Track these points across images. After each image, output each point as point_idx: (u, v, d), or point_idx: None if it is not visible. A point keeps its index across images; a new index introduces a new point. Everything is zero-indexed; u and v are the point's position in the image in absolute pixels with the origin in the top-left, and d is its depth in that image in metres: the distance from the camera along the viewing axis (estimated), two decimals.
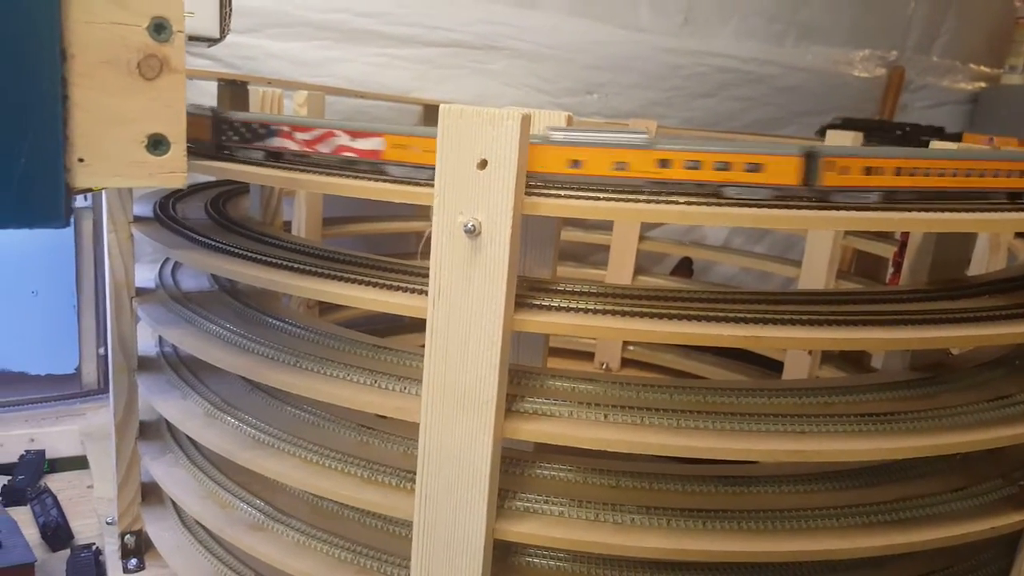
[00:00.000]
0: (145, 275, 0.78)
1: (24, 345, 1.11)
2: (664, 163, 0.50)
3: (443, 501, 0.51)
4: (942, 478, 0.63)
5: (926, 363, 0.66)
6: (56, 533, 0.83)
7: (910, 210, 0.52)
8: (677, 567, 0.56)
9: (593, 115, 1.42)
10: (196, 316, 0.67)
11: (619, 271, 1.26)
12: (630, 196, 0.51)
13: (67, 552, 0.81)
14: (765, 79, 1.53)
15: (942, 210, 0.52)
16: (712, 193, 0.51)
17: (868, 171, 0.51)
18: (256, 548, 0.61)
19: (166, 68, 0.38)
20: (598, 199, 0.50)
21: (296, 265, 0.58)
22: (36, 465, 0.98)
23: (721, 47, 1.49)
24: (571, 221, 1.23)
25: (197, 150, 0.60)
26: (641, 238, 1.25)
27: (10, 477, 0.94)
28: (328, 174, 0.56)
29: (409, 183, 0.53)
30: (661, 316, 0.51)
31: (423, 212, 1.16)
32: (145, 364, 0.76)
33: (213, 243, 0.64)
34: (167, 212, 0.75)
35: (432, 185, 0.48)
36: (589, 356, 1.30)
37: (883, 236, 1.05)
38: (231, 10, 0.61)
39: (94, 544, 0.82)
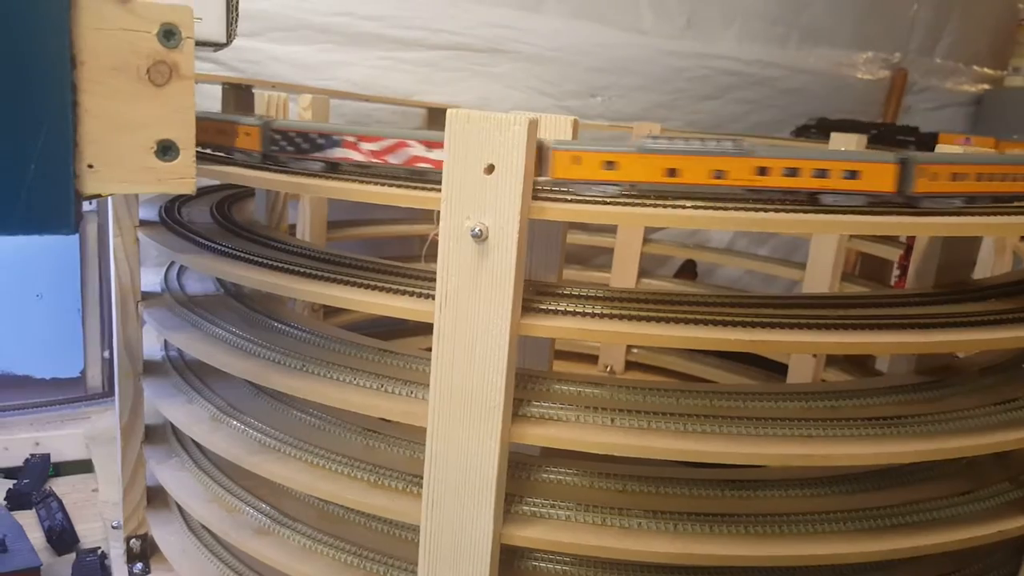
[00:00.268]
0: (150, 279, 0.78)
1: (29, 348, 1.12)
2: (763, 171, 0.50)
3: (450, 506, 0.51)
4: (949, 482, 0.63)
5: (932, 366, 0.66)
6: (61, 537, 0.83)
7: (990, 214, 0.52)
8: (684, 571, 0.56)
9: (597, 118, 1.42)
10: (202, 320, 0.67)
11: (623, 274, 1.26)
12: (637, 200, 0.51)
13: (72, 556, 0.81)
14: (768, 81, 1.53)
15: (1016, 213, 0.53)
16: (806, 200, 0.51)
17: (954, 177, 0.52)
18: (262, 552, 0.61)
19: (175, 74, 0.38)
20: (605, 203, 0.50)
21: (303, 269, 0.58)
22: (41, 469, 0.98)
23: (724, 50, 1.49)
24: (575, 224, 1.23)
25: (244, 161, 0.59)
26: (645, 241, 1.25)
27: (15, 481, 0.94)
28: (333, 179, 0.56)
29: (423, 188, 0.53)
30: (668, 320, 0.51)
31: (427, 215, 1.16)
32: (151, 368, 0.76)
33: (219, 247, 0.64)
34: (173, 216, 0.75)
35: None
36: (593, 359, 1.30)
37: (889, 239, 1.05)
38: (238, 15, 0.61)
39: (99, 548, 0.82)
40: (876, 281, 1.13)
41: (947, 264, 0.69)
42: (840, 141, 1.09)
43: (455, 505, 0.51)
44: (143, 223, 0.73)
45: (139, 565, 0.77)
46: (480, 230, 0.47)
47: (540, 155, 0.49)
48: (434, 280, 0.49)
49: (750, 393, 0.58)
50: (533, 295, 0.54)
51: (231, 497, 0.66)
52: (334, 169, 0.56)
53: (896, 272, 0.98)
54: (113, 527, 0.83)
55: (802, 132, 1.47)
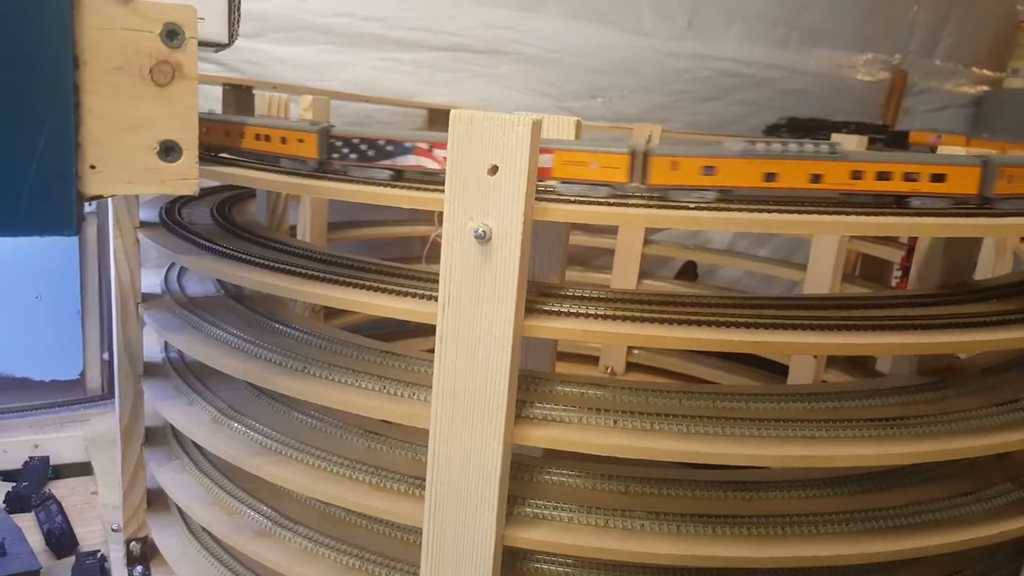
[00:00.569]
0: (151, 280, 0.78)
1: (28, 350, 1.11)
2: (857, 175, 0.50)
3: (452, 507, 0.51)
4: (951, 482, 0.63)
5: (934, 367, 0.66)
6: (61, 540, 0.83)
7: None
8: (687, 573, 0.56)
9: (598, 119, 1.42)
10: (202, 322, 0.67)
11: (624, 275, 1.26)
12: (639, 202, 0.51)
13: (72, 559, 0.81)
14: (769, 83, 1.53)
15: None
16: (894, 203, 0.52)
17: None
18: (263, 555, 0.61)
19: (178, 74, 0.38)
20: (608, 204, 0.50)
21: (304, 271, 0.58)
22: (40, 471, 0.98)
23: (725, 51, 1.49)
24: (576, 225, 1.23)
25: (299, 170, 0.57)
26: (646, 242, 1.25)
27: (14, 484, 0.94)
28: (337, 180, 0.56)
29: (425, 189, 0.53)
30: (671, 321, 0.51)
31: (428, 216, 1.16)
32: (151, 370, 0.75)
33: (220, 249, 0.64)
34: (173, 217, 0.75)
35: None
36: (593, 360, 1.30)
37: (890, 240, 1.05)
38: (240, 15, 0.61)
39: (99, 551, 0.82)
40: (876, 282, 1.13)
41: (949, 265, 0.69)
42: (843, 142, 1.09)
43: (457, 507, 0.51)
44: (143, 224, 0.73)
45: (139, 568, 0.77)
46: (483, 231, 0.47)
47: (633, 161, 0.49)
48: (437, 281, 0.49)
49: (752, 394, 0.58)
50: (536, 296, 0.54)
51: (232, 499, 0.65)
52: (400, 177, 0.54)
53: (898, 273, 0.98)
54: (113, 530, 0.82)
55: (772, 131, 1.47)
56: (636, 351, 1.28)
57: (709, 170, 0.49)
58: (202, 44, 0.62)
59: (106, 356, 1.13)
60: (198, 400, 0.68)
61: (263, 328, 0.66)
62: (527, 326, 0.49)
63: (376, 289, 0.54)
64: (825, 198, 0.51)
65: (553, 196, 0.51)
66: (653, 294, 0.57)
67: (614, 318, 0.52)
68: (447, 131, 0.47)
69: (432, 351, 0.50)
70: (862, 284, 1.12)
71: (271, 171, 0.58)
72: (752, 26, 1.51)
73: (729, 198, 0.50)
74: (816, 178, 0.50)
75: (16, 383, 1.11)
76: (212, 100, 1.04)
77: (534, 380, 0.56)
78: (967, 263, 0.71)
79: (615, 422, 0.53)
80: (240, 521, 0.64)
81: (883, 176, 0.51)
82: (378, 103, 1.23)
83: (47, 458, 1.01)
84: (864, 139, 1.09)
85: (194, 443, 0.71)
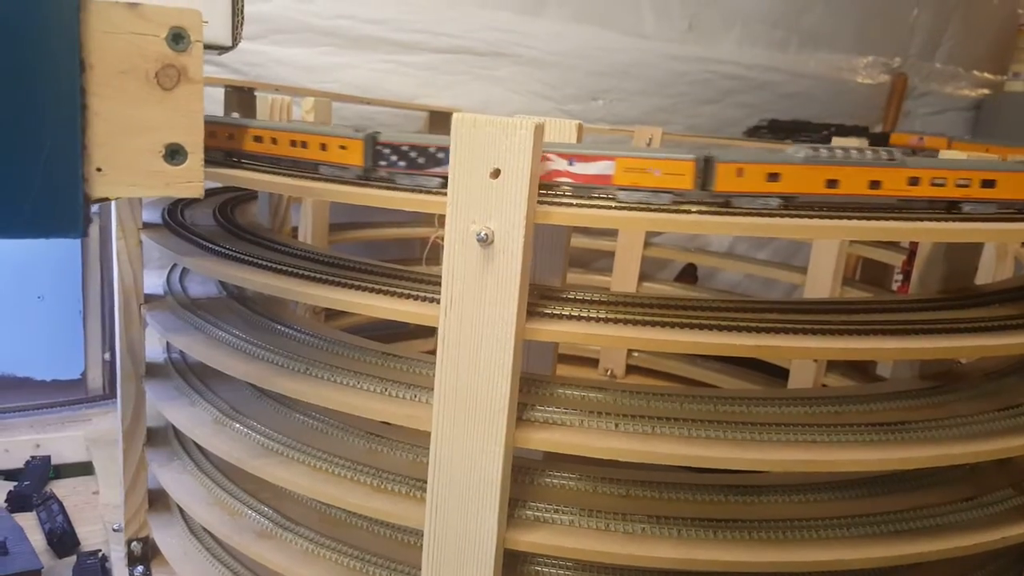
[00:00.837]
0: (153, 281, 0.78)
1: (29, 350, 1.11)
2: (914, 181, 0.51)
3: (454, 510, 0.51)
4: (951, 487, 0.63)
5: (935, 371, 0.66)
6: (62, 540, 0.83)
7: None
8: None
9: (598, 121, 1.42)
10: (204, 323, 0.67)
11: (624, 277, 1.26)
12: (642, 206, 0.51)
13: (73, 559, 0.81)
14: (769, 86, 1.54)
15: None
16: (947, 208, 0.53)
17: None
18: (264, 556, 0.61)
19: (184, 78, 0.38)
20: (610, 207, 0.51)
21: (307, 272, 0.58)
22: (42, 471, 0.98)
23: (725, 54, 1.49)
24: (576, 227, 1.24)
25: (343, 177, 0.55)
26: (646, 244, 1.25)
27: (16, 483, 0.94)
28: (341, 183, 0.56)
29: (422, 192, 0.53)
30: (673, 325, 0.52)
31: (428, 218, 1.16)
32: (153, 370, 0.76)
33: (222, 250, 0.64)
34: (176, 218, 0.75)
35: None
36: (593, 362, 1.30)
37: (891, 244, 1.05)
38: (243, 18, 0.61)
39: (100, 551, 0.82)
40: (877, 286, 1.13)
41: (950, 270, 0.69)
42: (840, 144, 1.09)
43: (459, 509, 0.51)
44: (146, 225, 0.73)
45: (140, 568, 0.77)
46: (486, 234, 0.47)
47: (705, 168, 0.49)
48: (438, 284, 0.49)
49: (754, 398, 0.58)
50: (537, 299, 0.54)
51: (233, 500, 0.66)
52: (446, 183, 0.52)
53: (899, 277, 0.98)
54: (114, 530, 0.82)
55: (753, 133, 1.48)
56: (636, 353, 1.28)
57: (773, 176, 0.50)
58: (206, 47, 0.62)
59: (107, 356, 1.14)
60: (200, 401, 0.69)
61: (265, 329, 0.66)
62: (529, 329, 0.50)
63: (378, 291, 0.55)
64: (884, 204, 0.52)
65: (554, 200, 0.51)
66: (654, 297, 0.57)
67: (615, 321, 0.52)
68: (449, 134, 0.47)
69: (433, 352, 0.50)
70: (863, 288, 1.12)
71: (311, 179, 0.56)
72: (752, 29, 1.52)
73: (792, 204, 0.50)
74: (875, 184, 0.50)
75: (18, 382, 1.11)
76: (214, 102, 1.05)
77: (535, 383, 0.56)
78: (969, 267, 0.71)
79: (616, 425, 0.53)
80: (241, 522, 0.64)
81: (937, 182, 0.51)
82: (379, 105, 1.23)
83: (48, 458, 1.01)
84: (865, 141, 1.09)
85: (196, 444, 0.72)
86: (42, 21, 0.34)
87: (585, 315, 0.52)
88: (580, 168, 0.50)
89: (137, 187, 0.38)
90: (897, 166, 0.51)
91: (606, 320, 0.52)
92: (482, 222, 0.47)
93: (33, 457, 1.00)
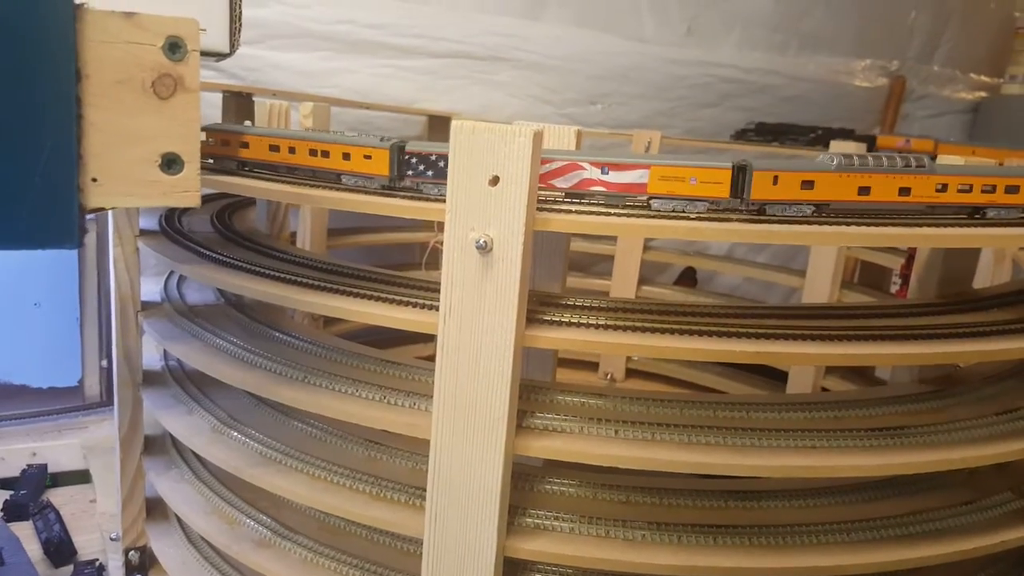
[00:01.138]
0: (150, 288, 0.78)
1: (26, 358, 1.11)
2: (943, 187, 0.52)
3: (453, 518, 0.51)
4: (950, 491, 0.63)
5: (935, 376, 0.66)
6: (59, 549, 0.82)
7: None
8: None
9: (597, 125, 1.43)
10: (202, 331, 0.67)
11: (623, 282, 1.26)
12: (640, 212, 0.51)
13: (70, 568, 0.81)
14: (768, 89, 1.54)
15: None
16: (969, 215, 0.54)
17: None
18: (263, 565, 0.60)
19: (180, 87, 0.38)
20: (609, 214, 0.50)
21: (305, 280, 0.57)
22: (38, 480, 0.97)
23: (724, 57, 1.49)
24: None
25: (367, 188, 0.54)
26: (645, 248, 1.25)
27: (12, 492, 0.93)
28: (340, 189, 0.56)
29: (421, 199, 0.53)
30: (673, 332, 0.51)
31: (427, 223, 1.16)
32: (150, 378, 0.75)
33: (219, 257, 0.64)
34: (173, 225, 0.75)
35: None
36: (593, 366, 1.30)
37: (890, 248, 1.05)
38: (241, 25, 0.61)
39: (97, 560, 0.81)
40: (875, 289, 1.13)
41: (948, 274, 0.69)
42: (840, 148, 1.10)
43: (458, 518, 0.51)
44: (143, 232, 0.73)
45: None
46: (485, 242, 0.47)
47: (742, 176, 0.49)
48: (437, 290, 0.49)
49: (754, 404, 0.58)
50: (537, 306, 0.54)
51: (231, 509, 0.65)
52: None
53: (897, 281, 0.98)
54: (112, 539, 0.82)
55: (741, 136, 1.48)
56: (636, 357, 1.28)
57: (808, 184, 0.50)
58: (203, 54, 0.62)
59: (104, 363, 1.13)
60: (198, 409, 0.68)
61: (263, 337, 0.66)
62: (528, 336, 0.49)
63: (376, 299, 0.54)
64: (911, 210, 0.53)
65: (554, 207, 0.51)
66: (654, 303, 0.57)
67: (615, 328, 0.52)
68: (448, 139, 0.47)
69: (432, 358, 0.50)
70: (861, 290, 1.12)
71: (333, 189, 0.56)
72: (751, 32, 1.52)
73: (825, 212, 0.51)
74: (905, 191, 0.51)
75: (14, 390, 1.11)
76: (212, 107, 1.04)
77: (535, 389, 0.56)
78: (967, 271, 0.71)
79: (616, 432, 0.53)
80: (240, 531, 0.64)
81: (964, 189, 0.52)
82: (378, 110, 1.23)
83: (45, 466, 1.01)
84: (863, 146, 1.09)
85: (193, 452, 0.71)
86: (37, 31, 0.34)
87: (584, 322, 0.52)
88: (614, 177, 0.51)
89: (133, 197, 0.37)
90: (927, 173, 0.51)
91: (606, 327, 0.52)
92: (481, 229, 0.47)
93: (29, 465, 1.00)
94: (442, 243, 0.48)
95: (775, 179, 0.50)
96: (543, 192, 0.52)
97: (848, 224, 0.50)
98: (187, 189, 0.38)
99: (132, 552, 0.77)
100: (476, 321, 0.48)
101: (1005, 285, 0.75)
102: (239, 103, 1.00)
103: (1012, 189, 0.54)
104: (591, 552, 0.52)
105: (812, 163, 0.51)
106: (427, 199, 0.53)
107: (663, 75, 1.44)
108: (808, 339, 0.52)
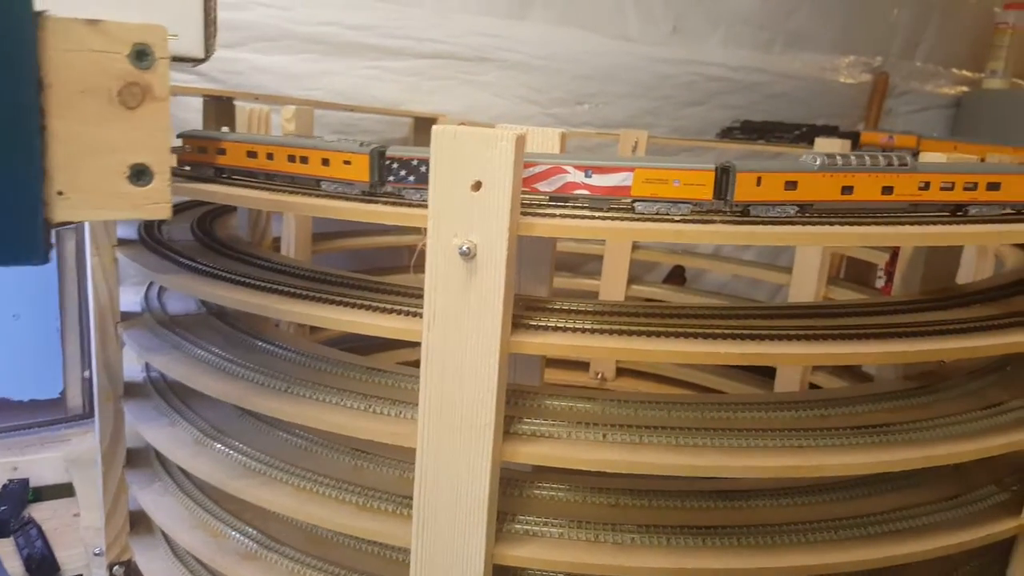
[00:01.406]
0: (131, 298, 0.77)
1: (6, 370, 1.09)
2: (925, 185, 0.52)
3: (441, 528, 0.50)
4: (936, 486, 0.63)
5: (920, 371, 0.66)
6: (41, 566, 0.81)
7: None
8: None
9: (584, 125, 1.42)
10: (183, 341, 0.66)
11: (613, 281, 1.25)
12: (625, 215, 0.50)
13: None
14: (754, 87, 1.54)
15: None
16: (952, 212, 0.54)
17: None
18: None
19: (148, 96, 0.37)
20: (593, 217, 0.50)
21: (286, 288, 0.57)
22: (19, 495, 0.95)
23: (710, 56, 1.49)
24: None
25: (347, 194, 0.54)
26: (634, 248, 1.25)
27: None
28: (319, 196, 0.55)
29: (403, 205, 0.52)
30: (659, 334, 0.51)
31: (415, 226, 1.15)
32: (132, 390, 0.74)
33: (199, 267, 0.63)
34: (152, 234, 0.74)
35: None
36: (584, 366, 1.29)
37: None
38: (216, 29, 0.60)
39: (81, 575, 0.80)
40: (862, 284, 1.14)
41: (931, 270, 0.69)
42: (824, 147, 1.10)
43: (446, 526, 0.50)
44: (121, 242, 0.72)
45: None
46: (468, 248, 0.46)
47: (725, 178, 0.49)
48: (422, 297, 0.48)
49: (740, 403, 0.58)
50: (523, 310, 0.54)
51: (216, 522, 0.64)
52: None
53: (882, 277, 0.99)
54: (95, 554, 0.80)
55: (727, 134, 1.49)
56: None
57: (791, 185, 0.50)
58: (178, 60, 0.61)
59: (87, 374, 1.11)
60: (180, 421, 0.67)
61: (245, 346, 0.65)
62: (514, 342, 0.49)
63: (360, 307, 0.54)
64: (895, 209, 0.53)
65: (538, 211, 0.50)
66: (640, 306, 0.57)
67: (601, 332, 0.51)
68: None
69: (418, 363, 0.49)
70: (847, 286, 1.13)
71: (313, 195, 0.55)
72: (736, 30, 1.52)
73: (809, 211, 0.51)
74: (888, 190, 0.51)
75: None
76: (194, 111, 1.03)
77: (522, 394, 0.56)
78: (950, 267, 0.72)
79: (604, 436, 0.52)
80: (225, 544, 0.63)
81: (946, 187, 0.52)
82: (364, 112, 1.22)
83: (26, 481, 0.99)
84: (848, 143, 1.09)
85: (177, 464, 0.70)
86: None
87: (571, 326, 0.52)
88: (598, 180, 0.50)
89: (101, 210, 0.36)
90: (909, 171, 0.51)
91: (592, 331, 0.51)
92: (464, 235, 0.46)
93: (11, 481, 0.98)
94: (427, 252, 0.48)
95: (758, 180, 0.49)
96: (527, 196, 0.51)
97: (832, 224, 0.50)
98: (157, 201, 0.37)
99: (116, 567, 0.76)
100: (460, 328, 0.47)
101: (987, 280, 0.75)
102: (220, 107, 0.98)
103: (993, 186, 0.54)
104: (581, 557, 0.51)
105: (795, 163, 0.51)
106: (409, 205, 0.52)
107: (649, 74, 1.44)
108: (793, 339, 0.52)
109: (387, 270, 1.17)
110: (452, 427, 0.49)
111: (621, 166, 0.50)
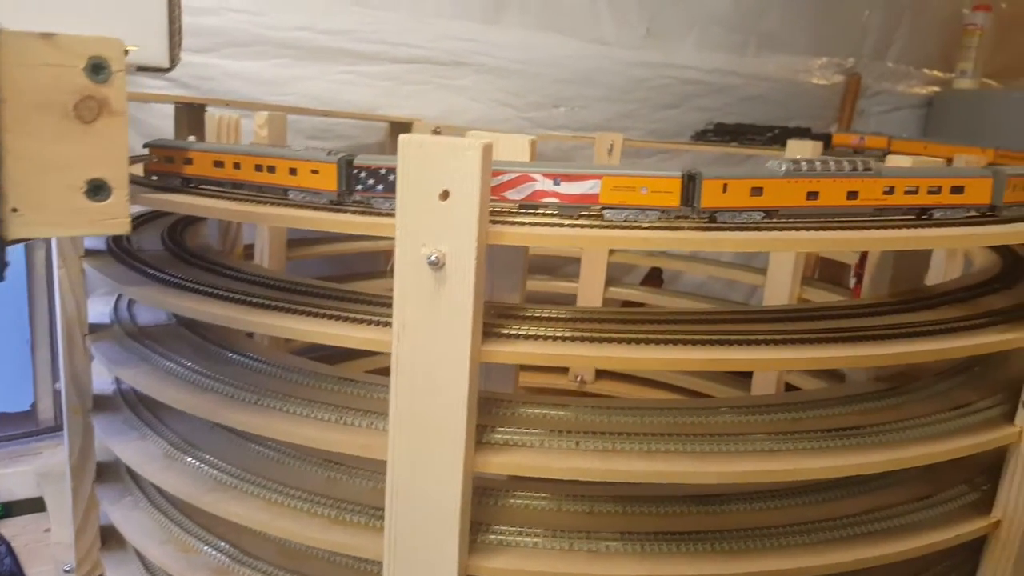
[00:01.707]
0: (100, 309, 0.75)
1: None
2: (890, 190, 0.52)
3: (413, 540, 0.50)
4: (908, 487, 0.64)
5: (890, 373, 0.67)
6: None
7: None
8: None
9: (560, 128, 1.43)
10: (152, 354, 0.65)
11: (591, 284, 1.26)
12: (596, 223, 0.51)
13: None
14: (728, 89, 1.56)
15: None
16: (917, 216, 0.55)
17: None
18: None
19: (105, 110, 0.36)
20: (563, 226, 0.50)
21: (254, 300, 0.56)
22: None
23: (684, 59, 1.51)
24: None
25: (315, 203, 0.53)
26: (612, 251, 1.26)
27: None
28: (286, 206, 0.55)
29: (370, 214, 0.52)
30: (632, 341, 0.51)
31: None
32: (101, 403, 0.73)
33: (168, 278, 0.62)
34: (121, 244, 0.72)
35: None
36: (563, 369, 1.29)
37: None
38: (181, 38, 0.59)
39: None
40: (836, 284, 1.15)
41: (900, 272, 0.71)
42: (796, 149, 1.12)
43: (418, 539, 0.50)
44: (89, 252, 0.70)
45: None
46: (436, 258, 0.46)
47: (692, 185, 0.49)
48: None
49: (713, 408, 0.58)
50: (495, 319, 0.53)
51: (188, 536, 0.63)
52: None
53: (853, 279, 1.01)
54: (65, 571, 0.79)
55: (701, 137, 1.51)
56: None
57: (757, 191, 0.50)
58: (143, 70, 0.60)
59: (58, 386, 1.09)
60: (150, 434, 0.66)
61: (216, 358, 0.64)
62: (485, 352, 0.49)
63: (331, 318, 0.53)
64: (860, 213, 0.53)
65: (507, 219, 0.50)
66: (613, 312, 0.57)
67: (573, 339, 0.51)
68: None
69: (388, 371, 0.49)
70: (822, 287, 1.15)
71: (280, 205, 0.54)
72: (710, 33, 1.54)
73: (775, 217, 0.51)
74: (853, 195, 0.52)
75: None
76: (165, 118, 1.01)
77: (495, 403, 0.55)
78: (919, 268, 0.73)
79: (577, 444, 0.52)
80: (196, 559, 0.62)
81: (911, 191, 0.53)
82: (339, 117, 1.21)
83: None
84: (819, 145, 1.11)
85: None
86: None
87: (543, 334, 0.51)
88: (566, 188, 0.50)
89: (58, 227, 0.36)
90: (873, 176, 0.52)
91: (564, 339, 0.51)
92: (433, 245, 0.46)
93: None
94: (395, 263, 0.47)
95: (724, 187, 0.50)
96: (495, 205, 0.51)
97: (798, 229, 0.51)
98: (116, 216, 0.37)
99: None
100: (430, 339, 0.47)
101: (955, 281, 0.76)
102: (192, 114, 0.97)
103: (957, 190, 0.55)
104: (555, 567, 0.51)
105: (761, 170, 0.52)
106: (378, 214, 0.52)
107: (624, 78, 1.45)
108: (765, 344, 0.53)
109: (364, 275, 1.16)
110: (423, 438, 0.48)
111: (589, 174, 0.50)
